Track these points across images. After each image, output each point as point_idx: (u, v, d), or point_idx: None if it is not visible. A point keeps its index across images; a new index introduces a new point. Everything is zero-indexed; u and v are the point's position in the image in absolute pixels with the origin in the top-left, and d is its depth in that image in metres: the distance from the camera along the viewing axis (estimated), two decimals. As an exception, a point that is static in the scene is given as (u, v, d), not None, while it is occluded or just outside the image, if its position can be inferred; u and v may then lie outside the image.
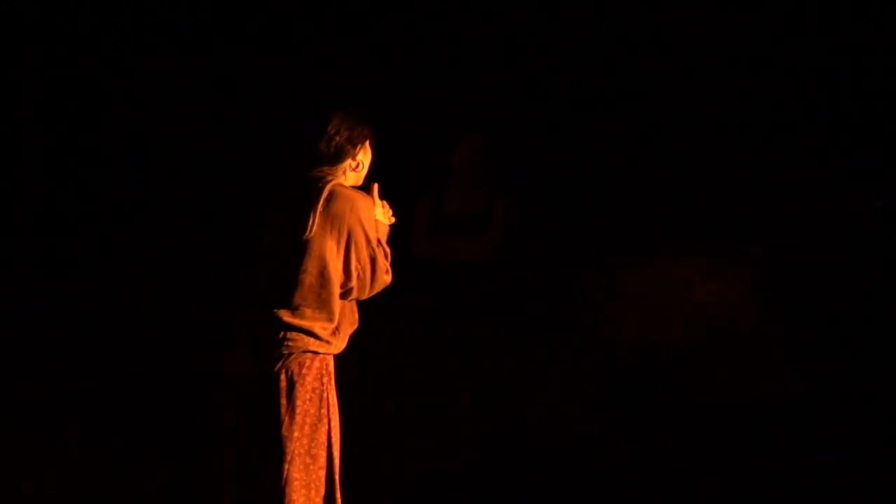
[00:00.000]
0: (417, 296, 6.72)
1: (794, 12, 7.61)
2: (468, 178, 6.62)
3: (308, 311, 4.71)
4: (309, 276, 4.71)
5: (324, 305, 4.72)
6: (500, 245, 6.61)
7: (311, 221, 4.68)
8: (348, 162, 4.84)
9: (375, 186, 4.99)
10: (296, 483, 4.65)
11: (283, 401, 4.67)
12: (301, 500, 4.67)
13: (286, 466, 4.65)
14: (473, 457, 6.87)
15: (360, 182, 4.95)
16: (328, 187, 4.73)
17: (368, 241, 4.79)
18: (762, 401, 7.15)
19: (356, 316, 4.88)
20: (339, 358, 4.89)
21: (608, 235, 9.00)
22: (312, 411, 4.69)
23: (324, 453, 4.71)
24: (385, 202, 5.04)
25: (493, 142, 6.67)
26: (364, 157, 4.90)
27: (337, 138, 4.79)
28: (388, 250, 4.91)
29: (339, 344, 4.81)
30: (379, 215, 4.93)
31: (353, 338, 4.94)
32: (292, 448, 4.66)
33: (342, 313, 4.78)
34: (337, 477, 4.75)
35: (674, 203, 8.10)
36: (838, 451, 7.11)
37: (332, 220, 4.71)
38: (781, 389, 7.14)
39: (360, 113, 4.90)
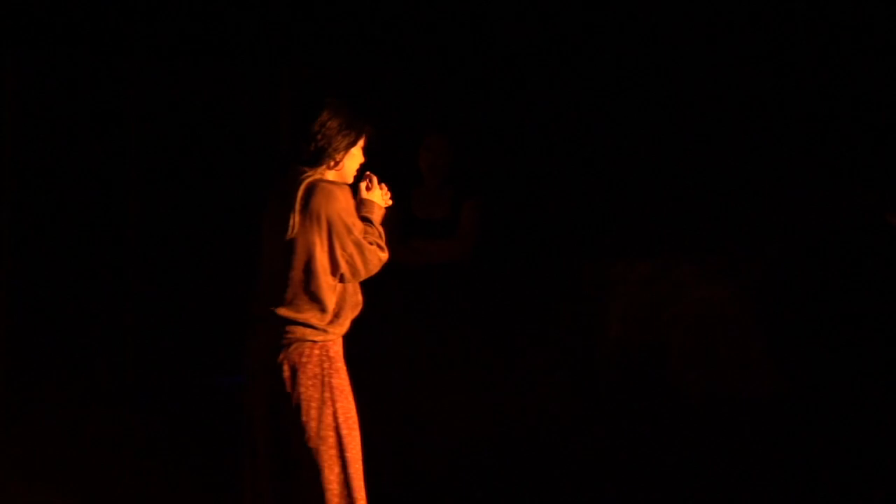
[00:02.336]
0: (393, 299, 6.74)
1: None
2: (435, 180, 6.63)
3: (302, 304, 4.86)
4: (297, 271, 4.85)
5: (315, 297, 4.86)
6: (470, 247, 6.63)
7: (291, 222, 4.83)
8: (328, 163, 4.92)
9: (369, 174, 5.12)
10: (309, 463, 4.82)
11: (289, 389, 4.84)
12: (316, 478, 4.82)
13: (299, 449, 4.83)
14: (460, 458, 6.85)
15: (350, 179, 5.02)
16: (304, 185, 4.85)
17: (349, 230, 4.88)
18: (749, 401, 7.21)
19: (359, 298, 5.01)
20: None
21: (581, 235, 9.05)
22: (316, 396, 4.84)
23: (333, 434, 4.85)
24: (384, 185, 5.17)
25: (459, 143, 6.69)
26: (348, 160, 4.97)
27: (320, 139, 4.86)
28: (381, 231, 5.05)
29: (339, 329, 4.95)
30: (376, 197, 5.11)
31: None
32: (302, 431, 4.82)
33: (342, 298, 4.92)
34: (350, 455, 4.87)
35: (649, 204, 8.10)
36: (825, 450, 7.13)
37: (312, 215, 4.83)
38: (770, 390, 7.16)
39: (353, 111, 4.94)
